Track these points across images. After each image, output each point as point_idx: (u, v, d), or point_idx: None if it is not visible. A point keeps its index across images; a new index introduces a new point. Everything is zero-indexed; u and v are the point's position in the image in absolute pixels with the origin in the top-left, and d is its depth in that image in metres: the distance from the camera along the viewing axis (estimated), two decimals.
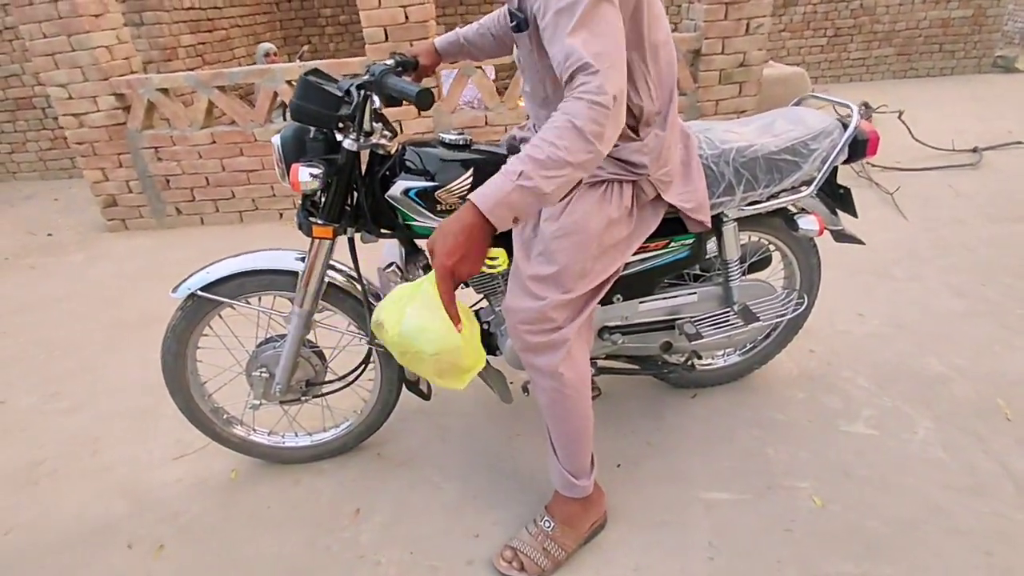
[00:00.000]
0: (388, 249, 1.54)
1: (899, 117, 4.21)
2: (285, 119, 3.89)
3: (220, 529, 1.58)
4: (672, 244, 1.46)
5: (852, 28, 6.23)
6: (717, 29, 3.19)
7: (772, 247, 1.74)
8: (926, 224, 3.01)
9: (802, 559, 1.38)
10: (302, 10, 6.24)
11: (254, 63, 5.12)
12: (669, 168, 1.27)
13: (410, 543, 1.49)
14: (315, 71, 1.28)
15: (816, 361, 2.05)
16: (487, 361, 1.64)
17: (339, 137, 1.27)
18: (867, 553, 1.38)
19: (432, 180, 1.30)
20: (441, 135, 1.37)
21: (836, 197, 1.64)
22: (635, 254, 1.41)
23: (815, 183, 1.50)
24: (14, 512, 1.68)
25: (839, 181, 1.62)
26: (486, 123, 3.43)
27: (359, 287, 1.45)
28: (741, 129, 1.49)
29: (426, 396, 1.64)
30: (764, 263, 1.76)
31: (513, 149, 1.38)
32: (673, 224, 1.37)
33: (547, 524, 1.41)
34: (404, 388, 1.62)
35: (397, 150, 1.36)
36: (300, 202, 1.35)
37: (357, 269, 1.44)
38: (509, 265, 1.32)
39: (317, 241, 1.34)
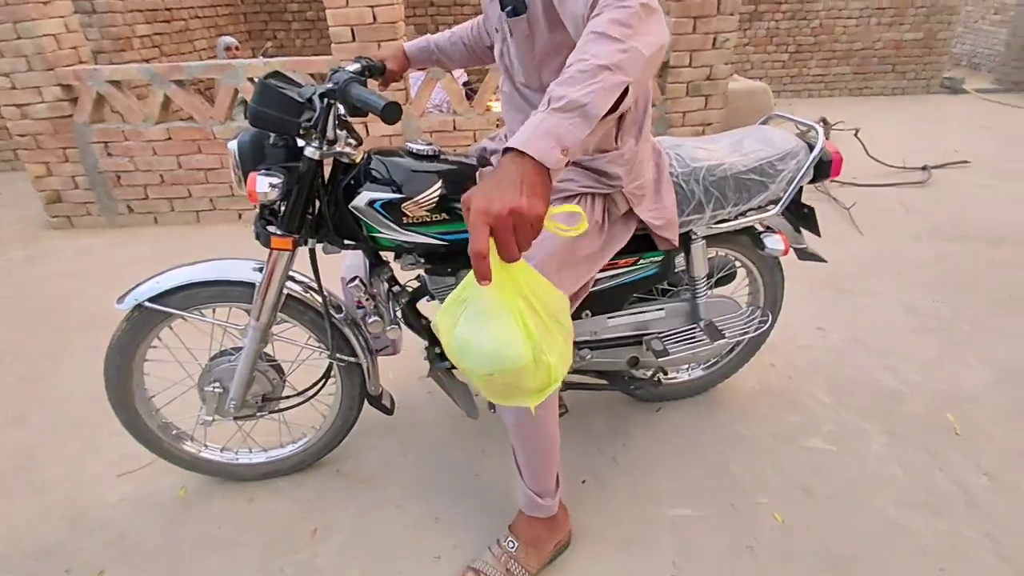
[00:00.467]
0: (351, 260, 1.48)
1: (855, 135, 4.36)
2: (247, 117, 3.77)
3: (166, 551, 1.49)
4: (641, 261, 1.46)
5: (812, 45, 6.43)
6: (685, 42, 3.23)
7: (738, 263, 1.75)
8: (880, 240, 3.11)
9: None
10: (268, 3, 6.07)
11: (215, 57, 4.96)
12: (642, 182, 1.26)
13: (369, 565, 1.44)
14: (276, 74, 1.22)
15: (777, 375, 2.08)
16: (452, 374, 1.61)
17: (301, 143, 1.21)
18: (826, 573, 1.40)
19: (399, 192, 1.26)
20: (408, 144, 1.33)
21: (800, 216, 1.66)
22: (605, 270, 1.40)
23: (781, 202, 1.52)
24: None
25: (803, 200, 1.65)
26: (455, 128, 3.39)
27: (320, 299, 1.40)
28: (710, 146, 1.50)
29: (389, 411, 1.60)
30: (729, 278, 1.78)
31: (483, 160, 1.35)
32: (642, 241, 1.37)
33: (511, 545, 1.38)
34: (367, 403, 1.57)
35: (362, 158, 1.31)
36: (257, 211, 1.28)
37: (318, 281, 1.38)
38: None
39: (276, 252, 1.28)
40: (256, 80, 3.19)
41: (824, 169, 1.54)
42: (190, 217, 3.55)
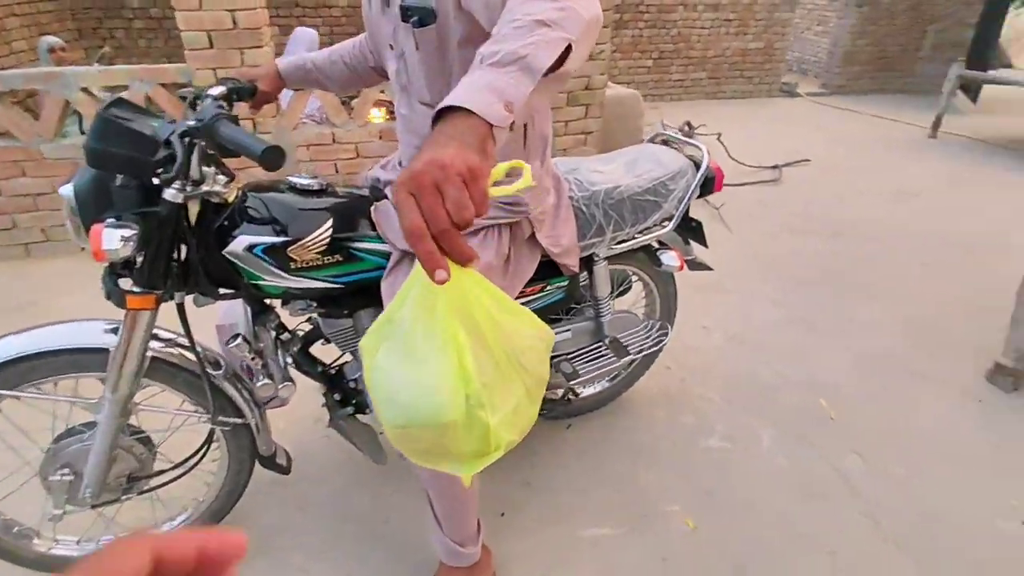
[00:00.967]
0: (227, 311, 1.30)
1: (718, 139, 4.72)
2: (82, 131, 3.28)
3: None
4: (548, 287, 1.43)
5: (672, 52, 6.90)
6: None
7: (634, 276, 1.80)
8: (744, 238, 3.38)
9: None
10: None
11: (37, 60, 4.27)
12: (544, 208, 1.23)
13: None
14: (118, 101, 1.03)
15: (672, 378, 2.17)
16: (356, 418, 1.49)
17: (157, 182, 1.03)
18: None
19: (283, 233, 1.12)
20: (290, 178, 1.20)
21: (689, 230, 1.73)
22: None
23: (674, 220, 1.57)
24: None
25: (691, 215, 1.72)
26: (334, 140, 3.18)
27: (194, 357, 1.21)
28: (605, 168, 1.51)
29: (286, 470, 1.44)
30: (626, 291, 1.83)
31: (377, 192, 1.24)
32: (547, 268, 1.34)
33: None
34: (258, 464, 1.40)
35: (237, 196, 1.15)
36: (107, 265, 1.08)
37: (190, 338, 1.18)
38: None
39: (133, 312, 1.09)
40: (92, 90, 2.78)
41: (709, 185, 1.61)
42: (17, 251, 3.01)
